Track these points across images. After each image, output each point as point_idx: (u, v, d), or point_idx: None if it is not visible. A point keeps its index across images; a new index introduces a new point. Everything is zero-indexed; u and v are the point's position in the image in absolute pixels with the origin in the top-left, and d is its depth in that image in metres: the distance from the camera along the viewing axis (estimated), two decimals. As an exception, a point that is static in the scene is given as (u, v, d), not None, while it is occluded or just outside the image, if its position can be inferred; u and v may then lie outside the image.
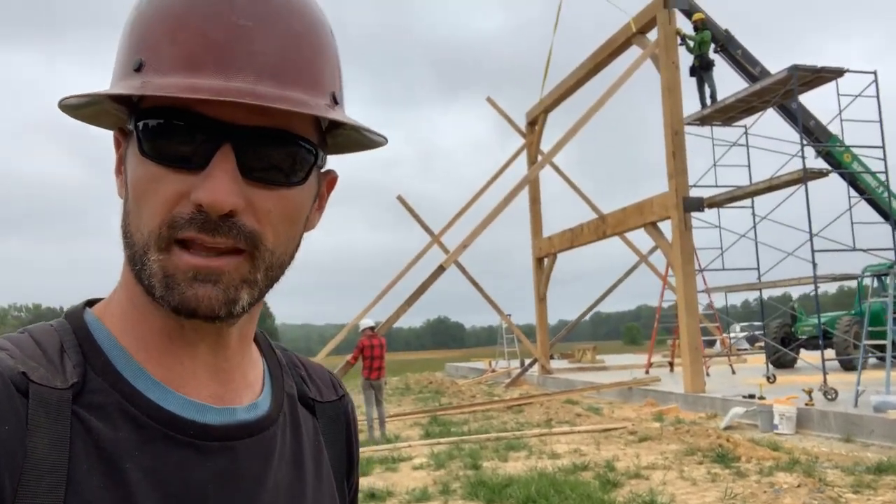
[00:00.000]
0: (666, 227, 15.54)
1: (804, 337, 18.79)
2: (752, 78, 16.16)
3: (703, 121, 16.12)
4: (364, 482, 8.85)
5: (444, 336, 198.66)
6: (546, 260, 21.82)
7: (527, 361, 23.94)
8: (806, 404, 11.14)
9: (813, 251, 12.89)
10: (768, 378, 15.19)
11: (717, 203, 14.42)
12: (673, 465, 8.61)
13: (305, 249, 0.73)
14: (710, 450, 9.19)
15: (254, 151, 0.63)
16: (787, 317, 19.78)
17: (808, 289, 14.20)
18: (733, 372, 19.20)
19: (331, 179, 0.77)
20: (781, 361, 19.50)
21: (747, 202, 16.00)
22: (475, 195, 23.24)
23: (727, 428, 11.45)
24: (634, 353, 40.17)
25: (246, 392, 0.74)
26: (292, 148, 0.66)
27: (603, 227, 17.34)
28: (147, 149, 0.63)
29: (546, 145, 22.67)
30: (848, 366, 16.07)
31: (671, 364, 20.50)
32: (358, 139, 0.76)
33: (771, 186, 13.23)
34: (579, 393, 16.41)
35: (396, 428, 13.55)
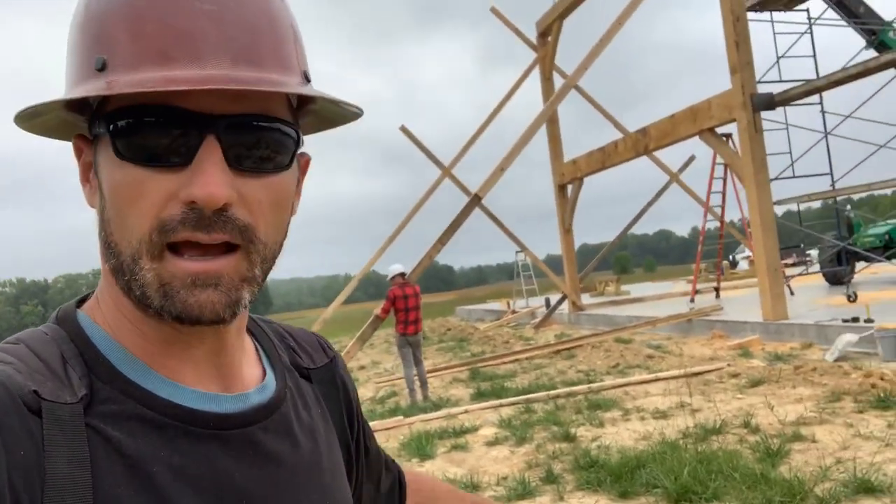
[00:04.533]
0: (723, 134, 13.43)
1: (864, 249, 16.95)
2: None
3: (762, 6, 13.81)
4: (432, 468, 6.90)
5: (434, 280, 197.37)
6: (570, 186, 19.65)
7: (552, 299, 22.02)
8: (938, 325, 9.27)
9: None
10: (849, 297, 13.36)
11: (789, 99, 12.24)
12: (832, 418, 6.68)
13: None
14: (862, 392, 7.27)
15: (238, 140, 0.60)
16: (843, 228, 17.91)
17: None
18: (791, 293, 17.35)
19: (305, 161, 0.74)
20: (836, 278, 17.82)
21: (814, 99, 13.88)
22: (484, 122, 20.92)
23: (838, 359, 9.62)
24: (653, 282, 38.52)
25: (250, 376, 0.72)
26: (275, 132, 0.62)
27: (644, 142, 15.13)
28: (124, 151, 0.59)
29: (561, 60, 20.25)
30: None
31: (717, 290, 18.61)
32: (330, 115, 0.72)
33: (862, 72, 11.04)
34: (630, 330, 14.50)
35: (436, 388, 11.60)
